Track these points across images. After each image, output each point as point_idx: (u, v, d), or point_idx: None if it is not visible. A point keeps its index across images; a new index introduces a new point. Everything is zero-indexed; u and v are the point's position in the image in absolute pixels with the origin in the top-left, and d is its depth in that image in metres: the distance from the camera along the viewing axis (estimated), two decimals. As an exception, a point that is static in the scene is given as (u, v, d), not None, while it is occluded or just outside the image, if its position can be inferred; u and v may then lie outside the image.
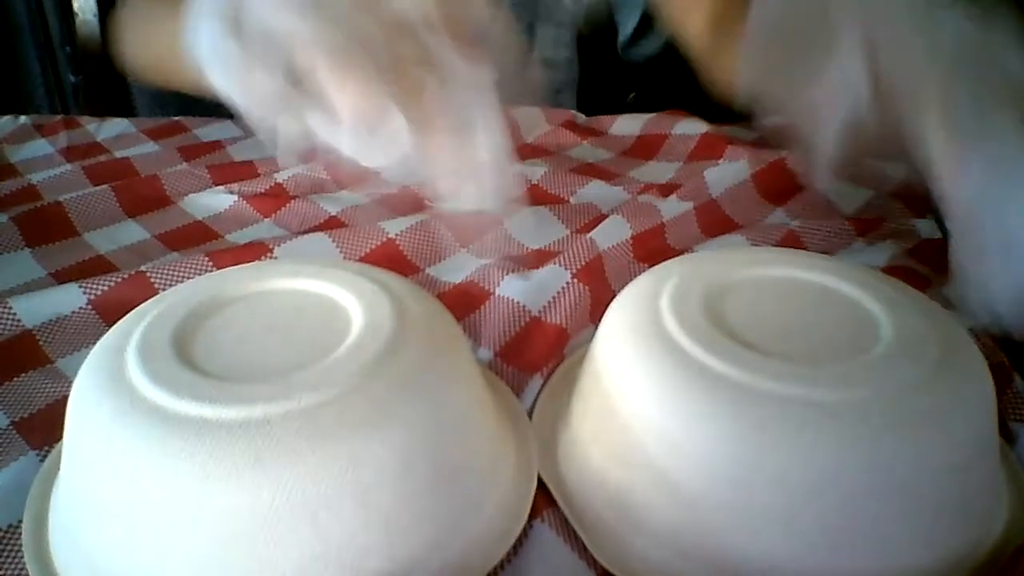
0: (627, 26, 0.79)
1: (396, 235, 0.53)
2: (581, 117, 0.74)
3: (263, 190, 0.60)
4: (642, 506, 0.31)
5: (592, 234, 0.51)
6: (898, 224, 0.55)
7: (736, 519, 0.29)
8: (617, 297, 0.36)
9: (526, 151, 0.67)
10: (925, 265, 0.50)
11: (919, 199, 0.58)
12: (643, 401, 0.31)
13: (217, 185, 0.61)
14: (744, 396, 0.29)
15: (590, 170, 0.65)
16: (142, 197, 0.59)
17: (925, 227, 0.54)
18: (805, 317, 0.33)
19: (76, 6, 0.99)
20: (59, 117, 0.74)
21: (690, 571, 0.30)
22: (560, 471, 0.35)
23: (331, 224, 0.56)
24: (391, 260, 0.51)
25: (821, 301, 0.34)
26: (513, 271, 0.48)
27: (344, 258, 0.51)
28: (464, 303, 0.47)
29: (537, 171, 0.62)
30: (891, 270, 0.48)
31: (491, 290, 0.47)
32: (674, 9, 0.72)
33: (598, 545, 0.31)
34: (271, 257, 0.50)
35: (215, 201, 0.59)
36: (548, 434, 0.37)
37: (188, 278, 0.48)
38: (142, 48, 0.61)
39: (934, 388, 0.29)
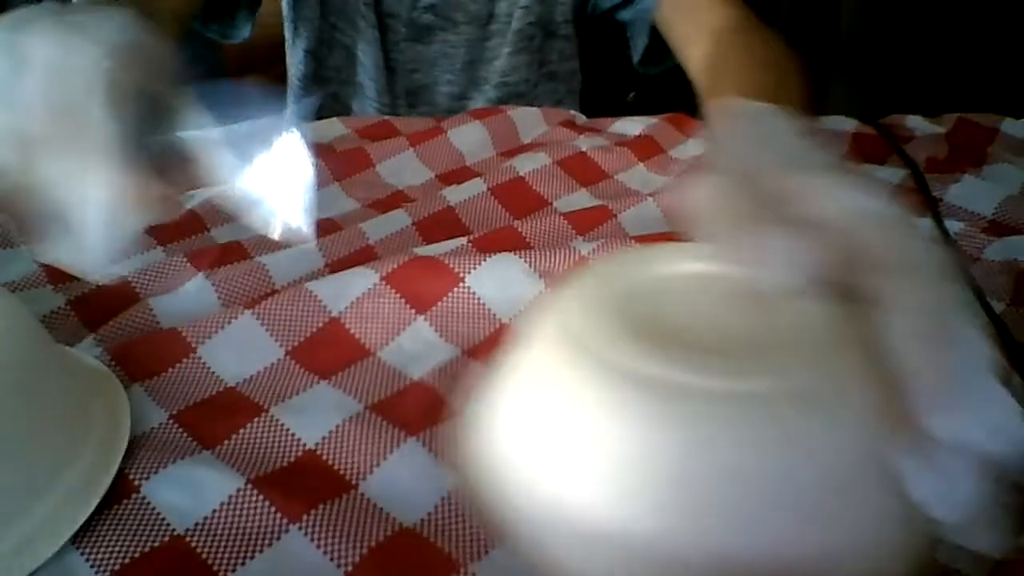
0: (639, 45, 0.79)
1: (375, 241, 0.53)
2: (581, 118, 0.74)
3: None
4: (563, 509, 0.30)
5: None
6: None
7: (651, 513, 0.29)
8: (540, 303, 0.36)
9: (522, 151, 0.67)
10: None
11: (919, 201, 0.58)
12: (558, 404, 0.31)
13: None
14: (658, 393, 0.29)
15: (581, 166, 0.64)
16: (140, 195, 0.59)
17: (926, 227, 0.54)
18: (721, 311, 0.33)
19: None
20: (59, 116, 0.74)
21: (617, 569, 0.29)
22: (484, 481, 0.34)
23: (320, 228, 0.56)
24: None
25: (737, 294, 0.34)
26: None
27: (327, 267, 0.51)
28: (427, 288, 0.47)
29: (527, 165, 0.62)
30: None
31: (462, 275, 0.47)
32: (676, 37, 0.72)
33: (524, 549, 0.31)
34: (251, 260, 0.50)
35: (207, 192, 0.59)
36: (472, 445, 0.36)
37: (169, 280, 0.49)
38: None
39: (852, 378, 0.29)
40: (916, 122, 0.71)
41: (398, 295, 0.46)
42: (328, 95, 0.88)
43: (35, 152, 0.34)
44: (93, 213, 0.35)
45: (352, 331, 0.45)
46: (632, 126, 0.71)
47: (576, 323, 0.32)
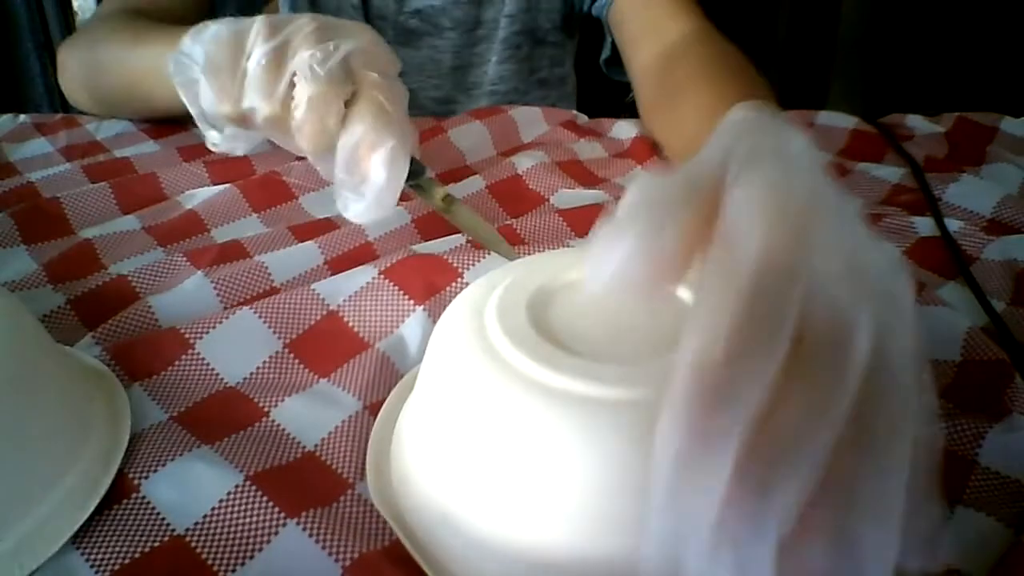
0: (607, 47, 0.79)
1: (374, 239, 0.53)
2: (582, 118, 0.74)
3: (256, 185, 0.60)
4: (473, 522, 0.30)
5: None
6: (897, 222, 0.54)
7: (560, 523, 0.28)
8: (447, 309, 0.36)
9: (523, 150, 0.67)
10: (922, 265, 0.50)
11: (919, 199, 0.58)
12: (465, 411, 0.31)
13: (215, 184, 0.61)
14: (561, 400, 0.28)
15: (579, 169, 0.65)
16: (140, 195, 0.59)
17: (923, 226, 0.54)
18: (625, 315, 0.33)
19: (76, 6, 1.00)
20: (59, 116, 0.74)
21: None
22: (392, 492, 0.34)
23: (319, 227, 0.56)
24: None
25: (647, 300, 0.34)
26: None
27: (327, 264, 0.51)
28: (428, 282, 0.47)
29: (525, 163, 0.62)
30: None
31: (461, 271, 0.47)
32: (624, 35, 0.72)
33: (435, 566, 0.31)
34: (250, 259, 0.50)
35: (207, 192, 0.59)
36: (382, 456, 0.36)
37: (169, 279, 0.49)
38: (105, 75, 0.66)
39: None
40: (916, 121, 0.71)
41: (397, 288, 0.46)
42: None
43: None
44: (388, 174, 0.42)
45: (351, 324, 0.45)
46: (631, 128, 0.71)
47: (489, 333, 0.32)
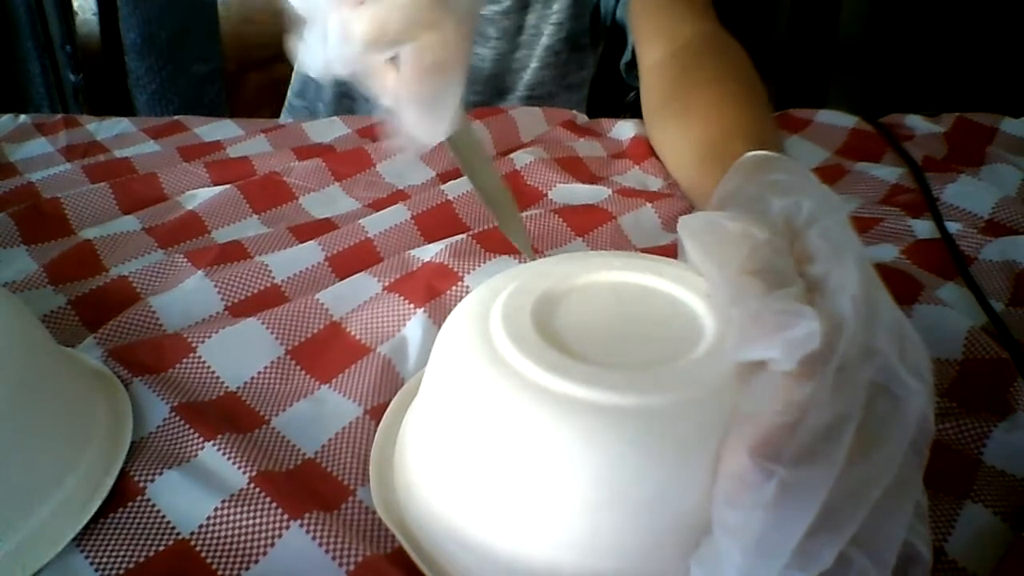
0: (628, 51, 0.79)
1: (375, 235, 0.53)
2: (582, 118, 0.74)
3: (256, 185, 0.60)
4: (479, 534, 0.30)
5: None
6: (895, 224, 0.54)
7: (567, 532, 0.28)
8: (451, 314, 0.36)
9: (522, 149, 0.67)
10: (921, 266, 0.50)
11: (918, 199, 0.58)
12: (469, 418, 0.31)
13: (216, 184, 0.61)
14: (567, 407, 0.28)
15: (577, 166, 0.65)
16: (140, 196, 0.59)
17: (922, 228, 0.54)
18: (631, 321, 0.33)
19: (76, 6, 1.00)
20: (59, 116, 0.74)
21: None
22: (395, 501, 0.34)
23: (319, 228, 0.56)
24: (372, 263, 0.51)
25: (646, 302, 0.34)
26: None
27: (329, 263, 0.51)
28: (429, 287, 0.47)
29: (523, 159, 0.62)
30: (886, 270, 0.48)
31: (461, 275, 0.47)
32: (637, 34, 0.72)
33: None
34: (250, 259, 0.50)
35: (207, 193, 0.59)
36: (385, 464, 0.36)
37: (169, 279, 0.49)
38: None
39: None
40: (915, 121, 0.71)
41: (399, 296, 0.46)
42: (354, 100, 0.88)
43: None
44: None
45: (352, 332, 0.45)
46: (631, 128, 0.71)
47: (494, 339, 0.32)
